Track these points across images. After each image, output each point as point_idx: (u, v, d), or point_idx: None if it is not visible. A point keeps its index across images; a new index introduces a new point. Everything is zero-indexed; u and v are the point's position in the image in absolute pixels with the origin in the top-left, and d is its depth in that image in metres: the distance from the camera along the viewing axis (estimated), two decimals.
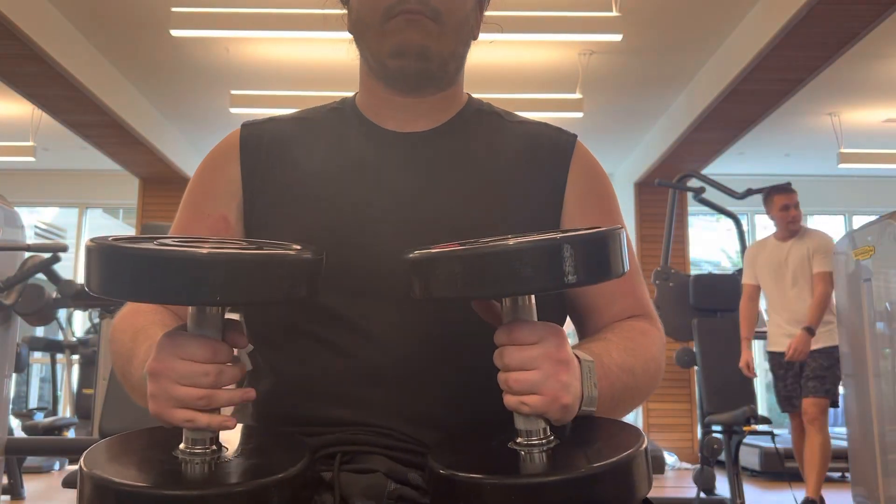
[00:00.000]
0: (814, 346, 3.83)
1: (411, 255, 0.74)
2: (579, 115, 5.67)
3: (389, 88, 0.96)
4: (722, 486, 4.04)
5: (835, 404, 3.94)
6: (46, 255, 3.22)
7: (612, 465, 0.70)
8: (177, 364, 0.71)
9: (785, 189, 4.06)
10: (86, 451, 0.77)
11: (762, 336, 6.53)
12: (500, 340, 0.74)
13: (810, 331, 3.79)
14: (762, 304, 4.23)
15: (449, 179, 0.93)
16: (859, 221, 6.16)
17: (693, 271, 6.95)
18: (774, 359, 4.04)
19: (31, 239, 5.04)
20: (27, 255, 3.35)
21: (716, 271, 7.80)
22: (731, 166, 7.36)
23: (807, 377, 3.84)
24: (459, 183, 0.93)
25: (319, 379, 0.87)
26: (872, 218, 3.95)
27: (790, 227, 3.99)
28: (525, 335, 0.73)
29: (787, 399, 3.99)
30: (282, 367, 0.90)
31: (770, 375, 4.17)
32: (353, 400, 0.86)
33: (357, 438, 0.85)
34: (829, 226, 9.08)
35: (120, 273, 0.68)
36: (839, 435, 6.24)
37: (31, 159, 6.65)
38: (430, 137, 0.96)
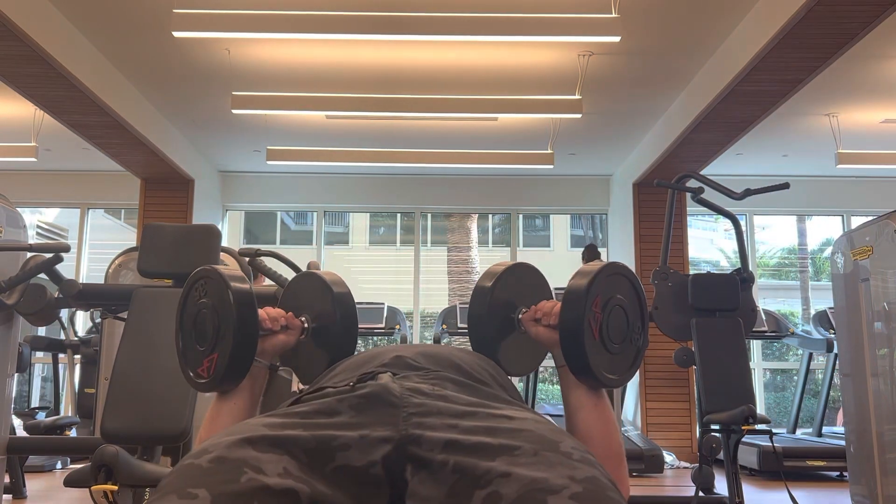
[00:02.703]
0: None
1: None
2: (578, 116, 5.69)
3: None
4: (720, 485, 4.06)
5: None
6: (48, 256, 3.23)
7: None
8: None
9: None
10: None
11: (758, 336, 6.56)
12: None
13: None
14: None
15: None
16: (857, 222, 6.18)
17: (691, 271, 6.97)
18: None
19: (33, 239, 5.05)
20: (29, 255, 3.37)
21: (714, 271, 7.82)
22: (729, 167, 7.38)
23: None
24: None
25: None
26: (870, 218, 3.97)
27: None
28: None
29: None
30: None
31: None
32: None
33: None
34: (828, 226, 9.10)
35: None
36: (838, 434, 6.26)
37: (33, 160, 6.66)
38: None
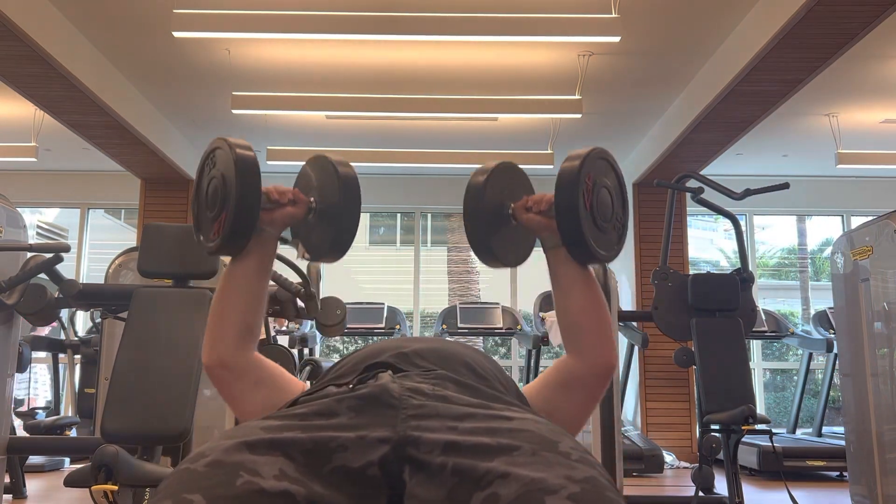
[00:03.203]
0: None
1: None
2: (578, 116, 5.69)
3: None
4: (721, 485, 4.06)
5: None
6: (48, 256, 3.23)
7: None
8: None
9: None
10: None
11: (758, 336, 6.57)
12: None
13: None
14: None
15: None
16: (857, 222, 6.19)
17: (691, 271, 6.97)
18: None
19: (33, 239, 5.05)
20: (29, 255, 3.37)
21: (714, 271, 7.82)
22: (729, 167, 7.38)
23: None
24: None
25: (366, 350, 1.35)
26: (870, 218, 3.97)
27: None
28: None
29: None
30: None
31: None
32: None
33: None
34: (827, 226, 9.10)
35: None
36: (837, 434, 6.27)
37: (33, 160, 6.67)
38: None
